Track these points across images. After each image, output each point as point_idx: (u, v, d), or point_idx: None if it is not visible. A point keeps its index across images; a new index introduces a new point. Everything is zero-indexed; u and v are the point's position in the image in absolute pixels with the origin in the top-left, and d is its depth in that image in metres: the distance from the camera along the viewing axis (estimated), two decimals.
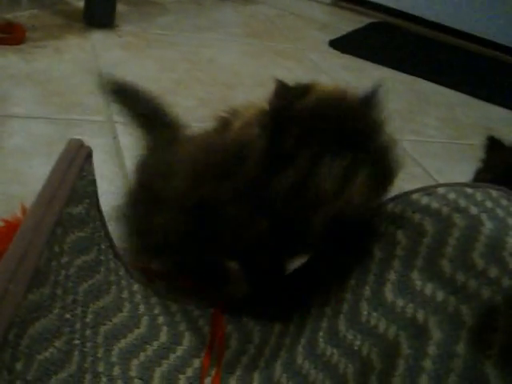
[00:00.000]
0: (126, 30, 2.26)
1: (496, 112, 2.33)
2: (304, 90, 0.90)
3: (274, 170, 0.78)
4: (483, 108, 2.35)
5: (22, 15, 2.12)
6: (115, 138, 1.53)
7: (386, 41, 2.91)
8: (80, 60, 1.93)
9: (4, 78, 1.71)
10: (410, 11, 3.10)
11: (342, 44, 2.64)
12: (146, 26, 2.36)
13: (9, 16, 2.07)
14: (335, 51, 2.58)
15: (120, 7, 2.30)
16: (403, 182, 1.58)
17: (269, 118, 0.80)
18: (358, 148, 0.77)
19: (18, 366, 0.65)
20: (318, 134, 0.76)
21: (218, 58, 2.23)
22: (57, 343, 0.73)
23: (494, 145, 1.22)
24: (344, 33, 2.82)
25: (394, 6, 3.13)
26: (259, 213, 0.81)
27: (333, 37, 2.72)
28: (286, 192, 0.77)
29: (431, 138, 1.96)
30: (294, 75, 2.21)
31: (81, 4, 2.23)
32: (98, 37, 2.13)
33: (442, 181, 1.64)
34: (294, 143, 0.77)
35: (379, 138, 0.80)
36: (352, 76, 2.34)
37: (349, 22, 3.00)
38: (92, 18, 2.19)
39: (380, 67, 2.50)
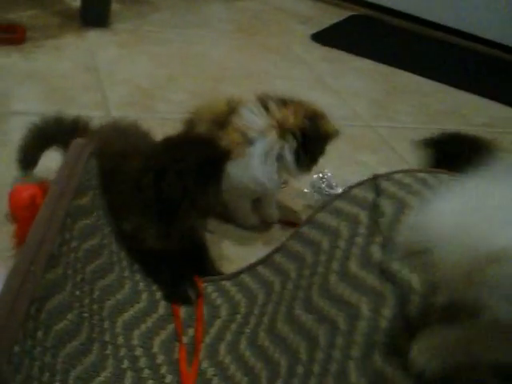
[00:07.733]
0: (120, 27, 2.34)
1: (466, 98, 2.41)
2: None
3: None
4: (454, 95, 2.43)
5: (22, 16, 2.21)
6: None
7: (366, 33, 3.00)
8: (78, 58, 2.02)
9: (7, 76, 1.80)
10: (388, 5, 3.19)
11: (323, 37, 2.72)
12: (139, 23, 2.44)
13: (10, 17, 2.16)
14: (317, 44, 2.66)
15: (114, 6, 2.37)
16: (378, 165, 1.69)
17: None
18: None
19: (39, 334, 0.78)
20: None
21: (208, 53, 2.32)
22: (69, 316, 0.86)
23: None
24: (325, 26, 2.90)
25: (374, 0, 3.23)
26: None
27: (315, 30, 2.80)
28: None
29: (405, 124, 2.06)
30: (279, 68, 2.31)
31: (77, 4, 2.31)
32: (93, 35, 2.22)
33: (414, 164, 1.74)
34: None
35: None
36: (333, 67, 2.44)
37: (330, 16, 3.07)
38: (88, 17, 2.27)
39: (359, 58, 2.59)
